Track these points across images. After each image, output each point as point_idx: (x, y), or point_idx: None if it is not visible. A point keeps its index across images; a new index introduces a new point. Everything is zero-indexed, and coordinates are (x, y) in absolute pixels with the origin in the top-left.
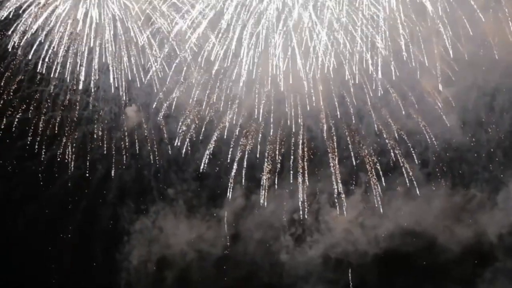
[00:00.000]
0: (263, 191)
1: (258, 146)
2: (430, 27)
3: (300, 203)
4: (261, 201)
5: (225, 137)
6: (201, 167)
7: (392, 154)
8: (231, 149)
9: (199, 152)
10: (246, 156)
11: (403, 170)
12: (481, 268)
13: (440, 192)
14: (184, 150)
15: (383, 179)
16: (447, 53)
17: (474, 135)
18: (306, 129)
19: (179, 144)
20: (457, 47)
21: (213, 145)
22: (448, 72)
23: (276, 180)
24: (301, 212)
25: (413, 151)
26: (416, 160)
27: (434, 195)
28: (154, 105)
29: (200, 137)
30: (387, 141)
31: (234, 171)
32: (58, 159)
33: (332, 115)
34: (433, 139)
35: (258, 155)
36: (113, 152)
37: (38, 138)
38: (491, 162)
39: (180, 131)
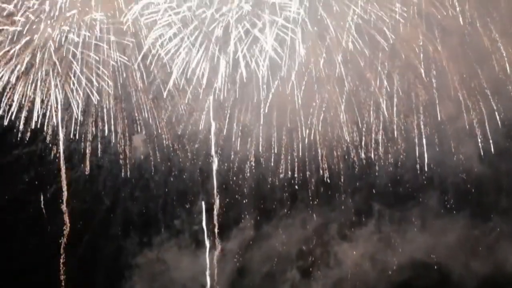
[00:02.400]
0: None
1: (270, 176)
2: (451, 52)
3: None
4: None
5: (235, 166)
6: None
7: (408, 183)
8: (240, 176)
9: (208, 182)
10: (257, 185)
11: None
12: None
13: (458, 224)
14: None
15: (398, 209)
16: (467, 80)
17: (495, 165)
18: (321, 158)
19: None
20: (477, 74)
21: (222, 175)
22: (467, 99)
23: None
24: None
25: (430, 180)
26: (433, 190)
27: (451, 227)
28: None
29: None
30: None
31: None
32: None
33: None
34: (453, 169)
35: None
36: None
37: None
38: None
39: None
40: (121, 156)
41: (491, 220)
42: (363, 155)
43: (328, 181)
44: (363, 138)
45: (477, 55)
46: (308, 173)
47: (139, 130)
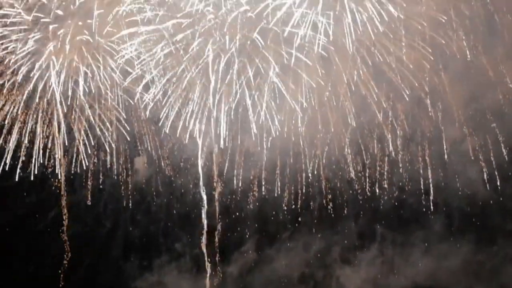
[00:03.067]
0: None
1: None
2: (454, 76)
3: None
4: None
5: (240, 188)
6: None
7: (412, 207)
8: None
9: (211, 205)
10: (259, 208)
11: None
12: None
13: (462, 248)
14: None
15: (401, 232)
16: (469, 102)
17: (499, 189)
18: (324, 180)
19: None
20: (480, 97)
21: (226, 198)
22: (470, 123)
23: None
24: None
25: (434, 204)
26: (437, 213)
27: (455, 251)
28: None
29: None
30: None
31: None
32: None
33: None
34: (458, 192)
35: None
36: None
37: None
38: None
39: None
40: (122, 179)
41: (495, 243)
42: (367, 186)
43: (331, 204)
44: (367, 170)
45: (481, 80)
46: (311, 196)
47: (140, 153)
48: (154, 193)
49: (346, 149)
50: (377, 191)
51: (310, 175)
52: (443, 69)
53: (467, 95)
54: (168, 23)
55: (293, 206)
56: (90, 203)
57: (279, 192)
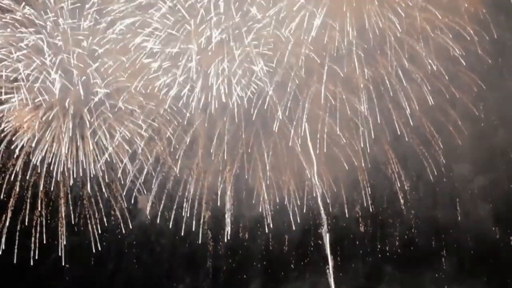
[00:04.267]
0: None
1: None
2: (463, 111)
3: None
4: None
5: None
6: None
7: (422, 246)
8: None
9: (217, 245)
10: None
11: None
12: None
13: None
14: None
15: (411, 273)
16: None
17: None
18: (332, 218)
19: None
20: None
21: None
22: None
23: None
24: None
25: (445, 244)
26: (448, 254)
27: None
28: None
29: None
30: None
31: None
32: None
33: (360, 204)
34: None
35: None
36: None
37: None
38: None
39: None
40: (122, 219)
41: (508, 286)
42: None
43: (340, 242)
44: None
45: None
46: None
47: (145, 192)
48: (158, 233)
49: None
50: (386, 230)
51: (323, 214)
52: (451, 107)
53: (477, 133)
54: None
55: (301, 246)
56: (93, 245)
57: (287, 230)
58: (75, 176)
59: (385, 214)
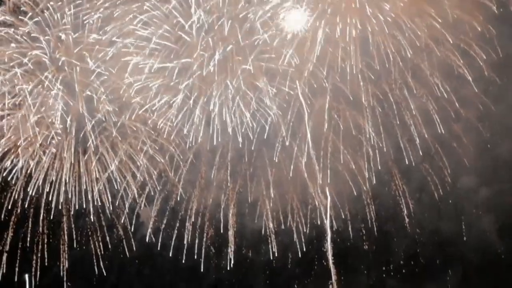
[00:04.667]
0: None
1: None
2: (469, 124)
3: None
4: None
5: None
6: None
7: (425, 259)
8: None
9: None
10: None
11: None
12: None
13: None
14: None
15: (414, 286)
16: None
17: None
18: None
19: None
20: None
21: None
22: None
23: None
24: None
25: (448, 257)
26: (452, 267)
27: None
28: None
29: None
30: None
31: None
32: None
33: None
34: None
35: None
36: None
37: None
38: None
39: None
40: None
41: None
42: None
43: (343, 256)
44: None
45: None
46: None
47: (147, 204)
48: (160, 246)
49: (355, 192)
50: (390, 244)
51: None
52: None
53: (481, 144)
54: None
55: (304, 261)
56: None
57: (291, 244)
58: (76, 201)
59: (389, 227)
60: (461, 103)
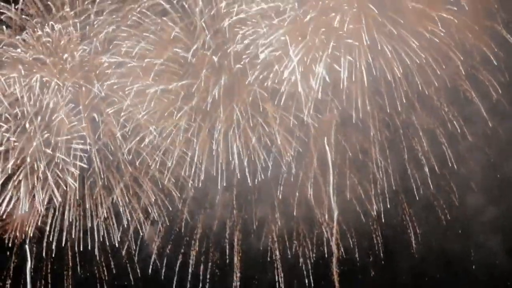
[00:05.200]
0: None
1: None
2: (474, 143)
3: None
4: None
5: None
6: None
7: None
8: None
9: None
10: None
11: None
12: None
13: None
14: None
15: None
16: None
17: None
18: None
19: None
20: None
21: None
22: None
23: None
24: None
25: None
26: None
27: None
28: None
29: None
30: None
31: None
32: None
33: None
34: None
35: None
36: None
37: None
38: None
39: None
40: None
41: None
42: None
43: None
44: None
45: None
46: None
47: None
48: (165, 265)
49: (361, 217)
50: (397, 262)
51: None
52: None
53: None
54: None
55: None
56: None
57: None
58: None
59: (395, 246)
60: (467, 125)
